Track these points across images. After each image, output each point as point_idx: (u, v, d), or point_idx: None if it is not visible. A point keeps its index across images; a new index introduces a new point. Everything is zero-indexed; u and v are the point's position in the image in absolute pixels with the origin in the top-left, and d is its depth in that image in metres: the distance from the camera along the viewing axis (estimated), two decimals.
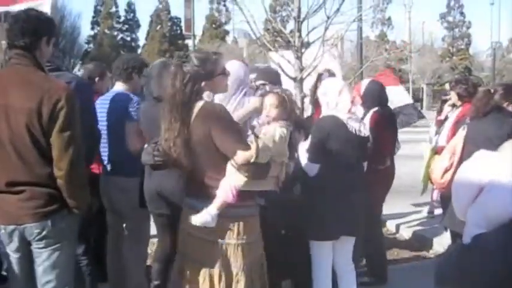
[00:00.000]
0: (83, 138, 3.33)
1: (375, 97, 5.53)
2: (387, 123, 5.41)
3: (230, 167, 3.31)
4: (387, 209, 6.80)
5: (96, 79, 5.54)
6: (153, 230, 4.82)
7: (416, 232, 7.65)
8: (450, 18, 69.42)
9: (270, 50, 7.16)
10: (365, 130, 4.43)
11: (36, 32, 3.30)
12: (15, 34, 3.25)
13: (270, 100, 3.63)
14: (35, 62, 3.27)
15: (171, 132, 3.39)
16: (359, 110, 5.06)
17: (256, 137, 3.36)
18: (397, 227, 7.99)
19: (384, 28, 65.00)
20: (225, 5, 60.04)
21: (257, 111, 3.92)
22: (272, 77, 5.14)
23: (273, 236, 4.34)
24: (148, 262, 5.38)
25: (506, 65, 52.64)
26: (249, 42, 46.02)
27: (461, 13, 69.55)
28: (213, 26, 65.01)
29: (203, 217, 3.33)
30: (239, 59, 6.14)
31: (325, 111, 4.52)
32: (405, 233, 7.78)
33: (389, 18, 64.62)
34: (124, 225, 5.10)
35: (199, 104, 3.38)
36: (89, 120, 4.01)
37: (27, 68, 3.24)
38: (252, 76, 5.29)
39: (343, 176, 4.33)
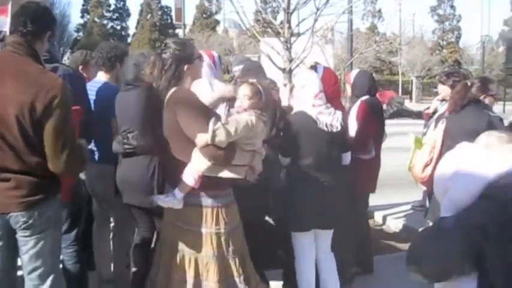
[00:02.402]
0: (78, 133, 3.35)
1: (364, 87, 5.55)
2: (373, 113, 5.43)
3: (195, 152, 3.32)
4: (375, 200, 6.84)
5: (80, 67, 5.49)
6: None
7: (404, 223, 7.69)
8: (440, 11, 69.74)
9: (259, 41, 7.16)
10: (338, 123, 4.38)
11: (43, 24, 3.31)
12: (20, 21, 3.23)
13: (244, 91, 3.55)
14: (31, 52, 3.23)
15: (148, 121, 3.44)
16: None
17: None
18: (384, 218, 8.03)
19: (375, 20, 65.11)
20: None
21: (224, 99, 3.88)
22: (256, 71, 5.17)
23: (259, 227, 4.40)
24: None
25: (495, 59, 52.75)
26: (239, 33, 46.00)
27: (452, 6, 69.94)
28: (204, 15, 64.97)
29: (167, 199, 3.43)
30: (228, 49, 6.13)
31: (295, 106, 4.57)
32: (392, 225, 7.83)
33: (379, 10, 64.79)
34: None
35: (171, 91, 3.39)
36: (84, 115, 4.02)
37: (24, 58, 3.20)
38: (239, 67, 5.31)
39: (316, 170, 4.34)
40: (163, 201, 3.45)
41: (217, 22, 64.73)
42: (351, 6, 8.77)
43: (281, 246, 5.03)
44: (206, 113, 3.41)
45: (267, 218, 5.04)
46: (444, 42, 67.50)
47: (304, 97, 4.42)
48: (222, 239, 3.48)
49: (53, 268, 3.39)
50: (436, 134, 5.07)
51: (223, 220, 3.48)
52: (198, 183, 3.36)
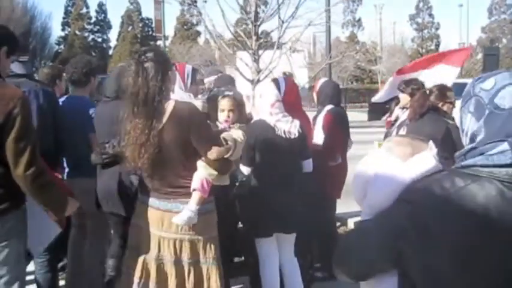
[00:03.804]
0: (46, 147, 3.38)
1: (328, 96, 5.71)
2: (338, 123, 5.58)
3: (200, 163, 3.43)
4: (347, 207, 6.92)
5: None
6: None
7: None
8: (419, 20, 70.41)
9: (231, 53, 7.30)
10: (295, 130, 4.47)
11: None
12: None
13: (227, 105, 3.78)
14: None
15: (136, 133, 3.35)
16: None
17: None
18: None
19: (355, 29, 65.67)
20: (196, 7, 59.90)
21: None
22: (227, 82, 5.34)
23: (227, 234, 4.49)
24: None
25: (474, 66, 53.26)
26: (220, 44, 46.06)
27: (430, 14, 70.72)
28: (184, 27, 64.96)
29: (186, 215, 3.37)
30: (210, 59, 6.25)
31: (254, 115, 4.72)
32: None
33: (359, 20, 65.35)
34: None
35: (170, 104, 3.37)
36: (53, 130, 4.07)
37: None
38: (210, 79, 5.45)
39: (275, 176, 4.45)
40: (183, 219, 3.38)
41: (199, 33, 64.77)
42: (328, 16, 8.93)
43: (251, 252, 5.13)
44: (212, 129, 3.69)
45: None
46: (424, 50, 68.08)
47: (261, 106, 4.54)
48: (213, 243, 3.54)
49: (19, 277, 3.42)
50: None
51: (211, 225, 3.57)
52: (208, 191, 3.46)
